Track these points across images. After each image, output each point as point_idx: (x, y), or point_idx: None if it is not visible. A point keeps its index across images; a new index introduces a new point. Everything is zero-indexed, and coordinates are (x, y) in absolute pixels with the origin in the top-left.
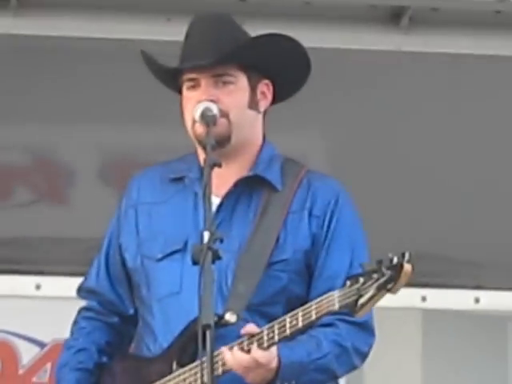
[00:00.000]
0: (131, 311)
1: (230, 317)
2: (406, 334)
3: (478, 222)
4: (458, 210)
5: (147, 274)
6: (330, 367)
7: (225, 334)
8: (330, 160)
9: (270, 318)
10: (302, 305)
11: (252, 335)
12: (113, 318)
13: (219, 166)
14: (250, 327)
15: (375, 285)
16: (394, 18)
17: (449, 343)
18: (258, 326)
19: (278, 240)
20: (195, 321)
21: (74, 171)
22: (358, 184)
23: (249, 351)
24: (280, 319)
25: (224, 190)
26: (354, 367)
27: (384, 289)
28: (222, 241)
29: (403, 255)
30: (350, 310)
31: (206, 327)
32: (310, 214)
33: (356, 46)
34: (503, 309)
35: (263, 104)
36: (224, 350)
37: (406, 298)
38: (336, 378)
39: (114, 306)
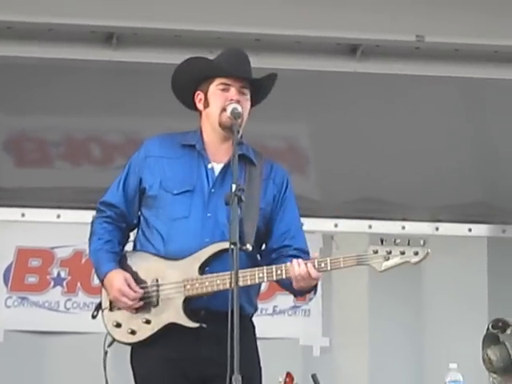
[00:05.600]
0: (135, 221)
1: (249, 246)
2: None
3: (405, 173)
4: (394, 167)
5: (165, 202)
6: None
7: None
8: (312, 140)
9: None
10: (260, 238)
11: (311, 260)
12: (122, 224)
13: (242, 144)
14: (314, 254)
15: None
16: (352, 51)
17: None
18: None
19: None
20: (212, 242)
21: None
22: (331, 152)
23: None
24: (331, 258)
25: (224, 159)
26: None
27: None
28: (243, 191)
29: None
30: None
31: (234, 244)
32: (274, 182)
33: (327, 68)
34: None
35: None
36: (294, 263)
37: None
38: None
39: (125, 216)
